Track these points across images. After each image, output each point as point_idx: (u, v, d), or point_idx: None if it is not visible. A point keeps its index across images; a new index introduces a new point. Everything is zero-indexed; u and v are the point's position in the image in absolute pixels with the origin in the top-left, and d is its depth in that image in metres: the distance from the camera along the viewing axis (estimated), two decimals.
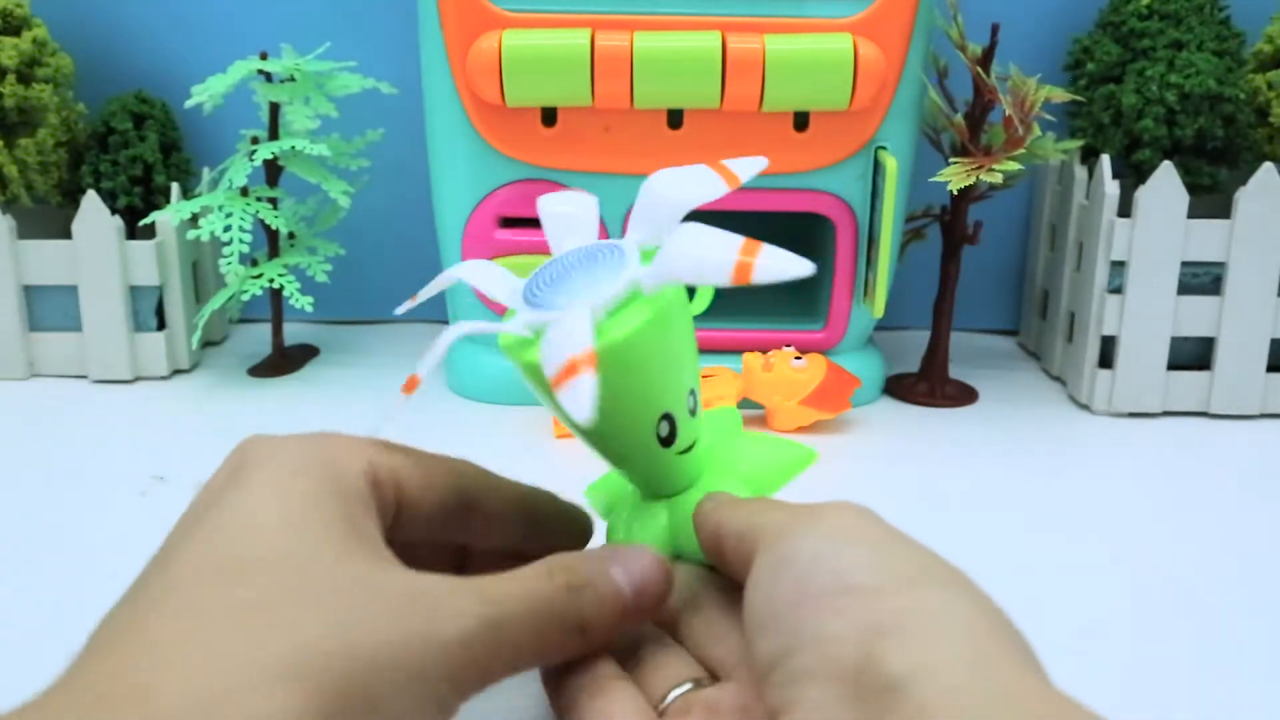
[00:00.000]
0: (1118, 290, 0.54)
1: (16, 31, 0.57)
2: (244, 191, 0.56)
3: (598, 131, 0.50)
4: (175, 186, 0.58)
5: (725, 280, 0.27)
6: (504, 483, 0.31)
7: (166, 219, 0.57)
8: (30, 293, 0.58)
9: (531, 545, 0.31)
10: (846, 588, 0.23)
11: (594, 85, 0.48)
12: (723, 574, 0.30)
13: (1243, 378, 0.54)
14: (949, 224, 0.56)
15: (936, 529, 0.42)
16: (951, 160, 0.51)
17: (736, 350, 0.53)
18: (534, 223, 0.52)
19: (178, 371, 0.60)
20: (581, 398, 0.24)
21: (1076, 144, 0.57)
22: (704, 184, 0.30)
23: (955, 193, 0.53)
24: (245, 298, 0.57)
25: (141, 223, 0.57)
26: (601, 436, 0.30)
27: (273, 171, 0.58)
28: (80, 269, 0.56)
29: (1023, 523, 0.43)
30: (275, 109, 0.57)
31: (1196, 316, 0.54)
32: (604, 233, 0.51)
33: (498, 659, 0.24)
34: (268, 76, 0.56)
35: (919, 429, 0.53)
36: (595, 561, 0.28)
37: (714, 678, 0.28)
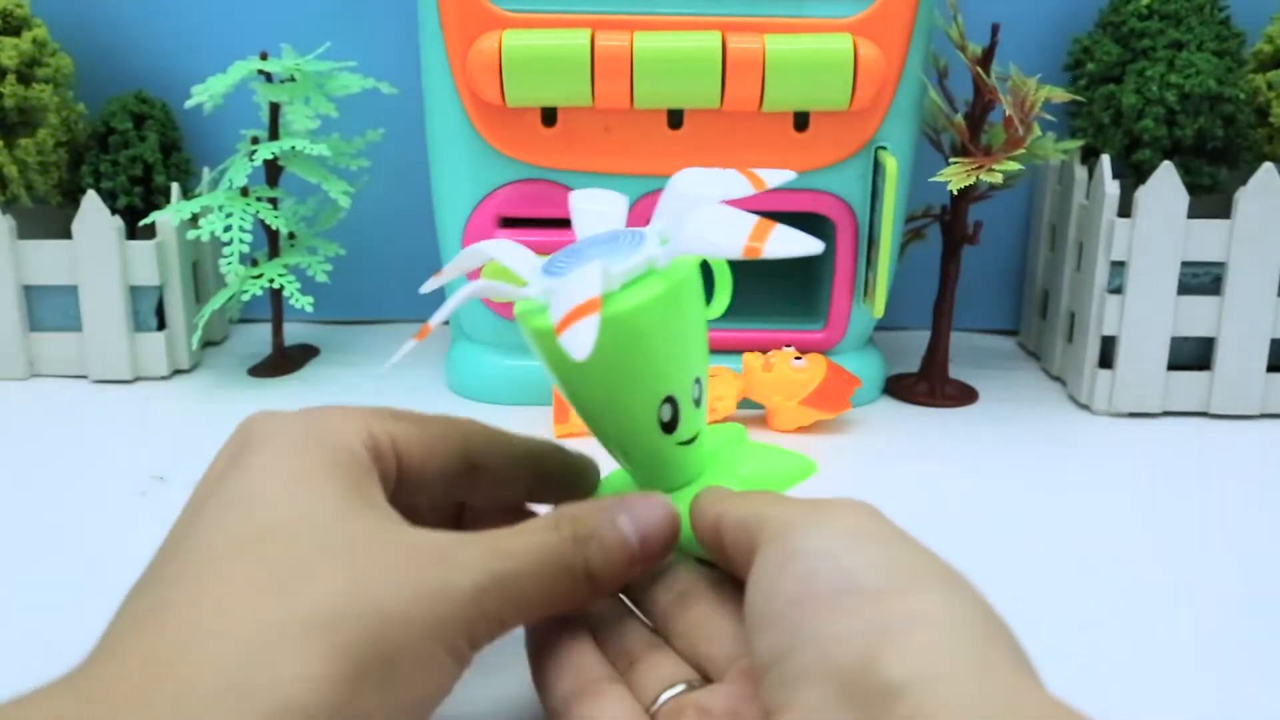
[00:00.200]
0: (1118, 290, 0.54)
1: (16, 31, 0.57)
2: (244, 191, 0.56)
3: (598, 131, 0.50)
4: (175, 186, 0.58)
5: (737, 252, 0.27)
6: (510, 439, 0.32)
7: (166, 219, 0.57)
8: (30, 293, 0.58)
9: (540, 498, 0.32)
10: (850, 588, 0.23)
11: (594, 85, 0.48)
12: (717, 568, 0.29)
13: (1243, 378, 0.54)
14: (949, 224, 0.56)
15: (936, 529, 0.42)
16: (951, 160, 0.51)
17: (736, 350, 0.53)
18: (534, 223, 0.53)
19: (178, 371, 0.60)
20: (582, 337, 0.25)
21: (1076, 144, 0.57)
22: (731, 183, 0.31)
23: (955, 193, 0.53)
24: (245, 298, 0.57)
25: (141, 223, 0.57)
26: (604, 413, 0.30)
27: (273, 171, 0.58)
28: (80, 269, 0.56)
29: (1022, 523, 0.43)
30: (275, 109, 0.57)
31: (1196, 316, 0.54)
32: None
33: (509, 610, 0.25)
34: (268, 76, 0.56)
35: (919, 429, 0.53)
36: (602, 511, 0.28)
37: (705, 678, 0.28)
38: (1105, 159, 0.54)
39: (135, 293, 0.58)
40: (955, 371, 0.59)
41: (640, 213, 0.52)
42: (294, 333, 0.65)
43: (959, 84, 0.54)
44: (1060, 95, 0.53)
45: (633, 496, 0.29)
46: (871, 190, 0.52)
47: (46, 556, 0.40)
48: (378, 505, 0.26)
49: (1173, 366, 0.54)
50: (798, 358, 0.51)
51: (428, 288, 0.34)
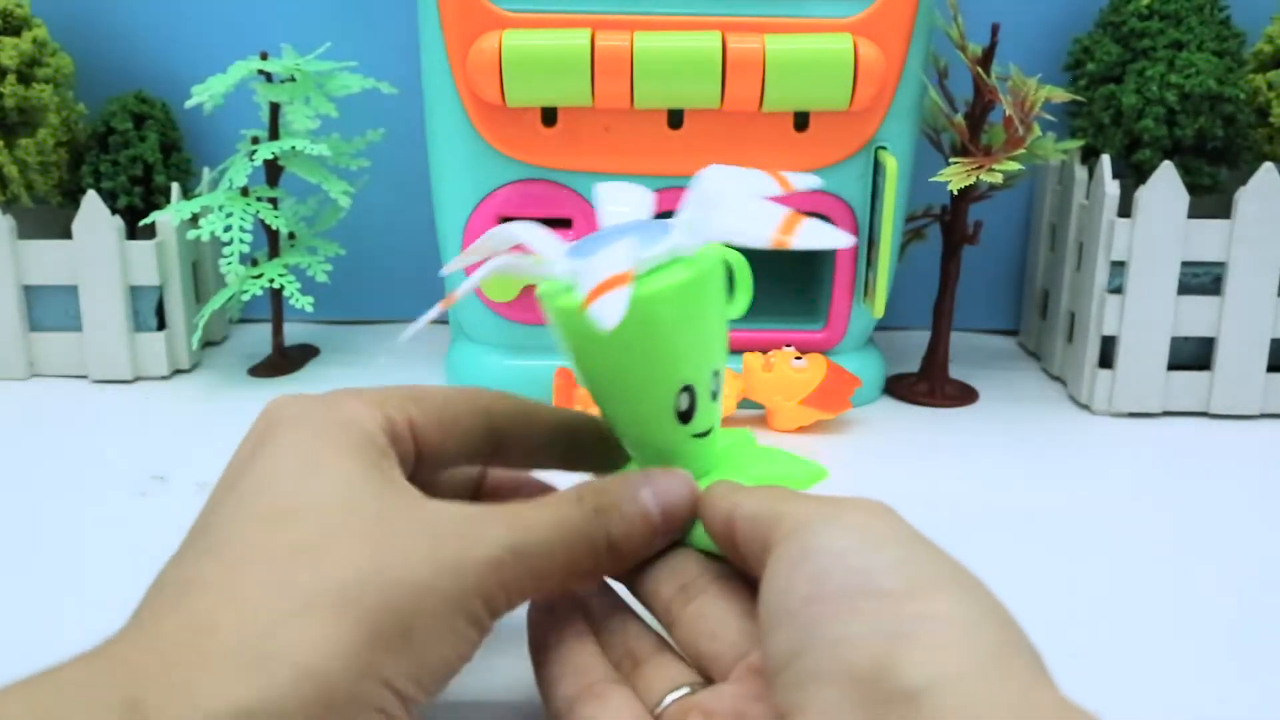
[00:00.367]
0: (1118, 290, 0.54)
1: (16, 31, 0.57)
2: (244, 191, 0.56)
3: (598, 131, 0.50)
4: (175, 186, 0.58)
5: (766, 241, 0.28)
6: (540, 410, 0.32)
7: (167, 219, 0.57)
8: (30, 293, 0.58)
9: (573, 468, 0.33)
10: (866, 589, 0.22)
11: (594, 85, 0.48)
12: (726, 562, 0.29)
13: (1243, 378, 0.54)
14: (949, 224, 0.56)
15: (936, 528, 0.42)
16: (951, 160, 0.51)
17: (736, 350, 0.53)
18: (533, 223, 0.53)
19: (178, 371, 0.60)
20: (611, 308, 0.25)
21: (1076, 144, 0.57)
22: (758, 181, 0.31)
23: (955, 193, 0.53)
24: (245, 298, 0.57)
25: (142, 223, 0.57)
26: (621, 399, 0.30)
27: (273, 171, 0.58)
28: (80, 269, 0.56)
29: (1023, 523, 0.43)
30: (275, 109, 0.57)
31: (1196, 316, 0.54)
32: None
33: (528, 580, 0.26)
34: (268, 76, 0.56)
35: (919, 429, 0.53)
36: (625, 485, 0.29)
37: (708, 676, 0.28)
38: (1105, 159, 0.54)
39: (135, 293, 0.58)
40: (955, 371, 0.59)
41: None
42: (294, 333, 0.65)
43: (959, 84, 0.54)
44: (1060, 95, 0.53)
45: (655, 471, 0.30)
46: (871, 190, 0.52)
47: (46, 556, 0.40)
48: (396, 482, 0.27)
49: (1173, 366, 0.54)
50: (798, 358, 0.51)
51: (449, 269, 0.34)
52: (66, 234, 0.56)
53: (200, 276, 0.62)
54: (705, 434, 0.31)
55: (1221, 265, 0.53)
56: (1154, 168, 0.52)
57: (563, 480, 0.33)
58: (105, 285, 0.57)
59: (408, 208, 0.65)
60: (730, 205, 0.30)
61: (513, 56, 0.47)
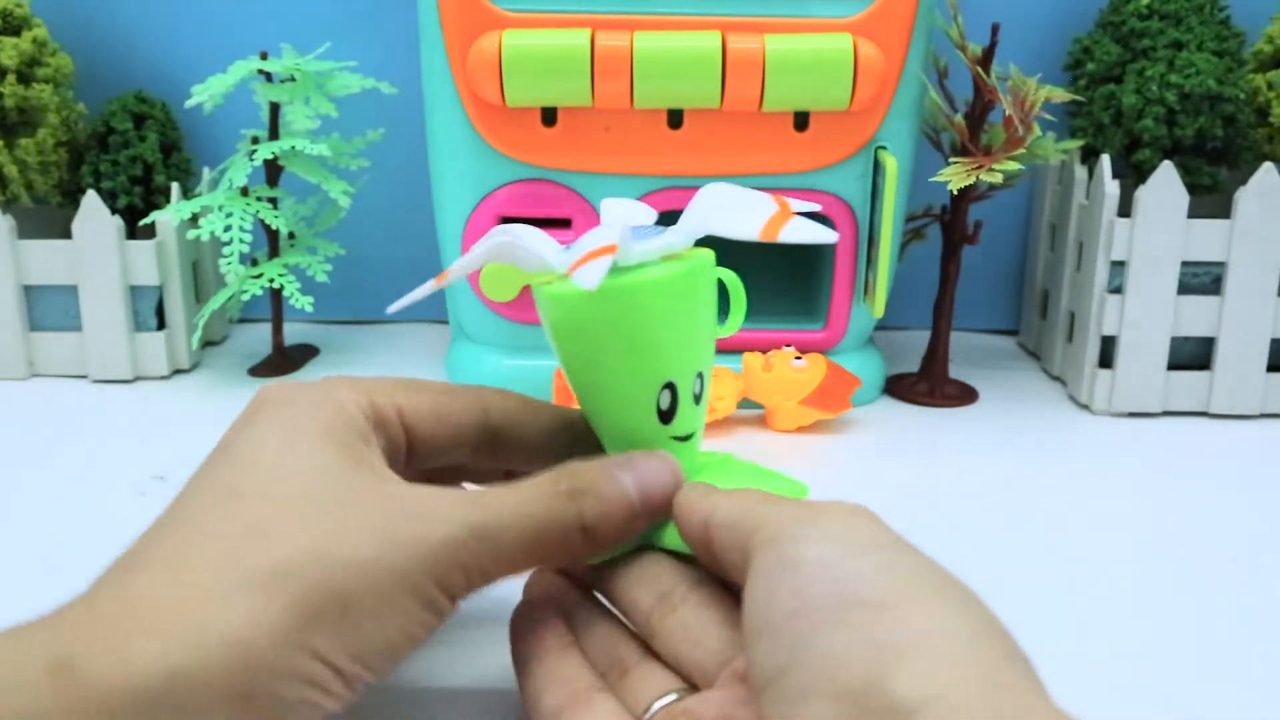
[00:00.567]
0: (1118, 290, 0.54)
1: (16, 31, 0.57)
2: (244, 191, 0.56)
3: (598, 131, 0.50)
4: (175, 186, 0.58)
5: (754, 234, 0.28)
6: (542, 409, 0.33)
7: (166, 219, 0.57)
8: (30, 293, 0.58)
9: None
10: (851, 600, 0.22)
11: (594, 85, 0.48)
12: (701, 566, 0.29)
13: (1243, 378, 0.54)
14: (949, 224, 0.56)
15: (936, 529, 0.42)
16: (951, 160, 0.51)
17: (736, 350, 0.53)
18: (534, 223, 0.52)
19: (178, 371, 0.60)
20: (593, 272, 0.26)
21: (1076, 144, 0.57)
22: (758, 199, 0.32)
23: (955, 193, 0.53)
24: (245, 298, 0.57)
25: (141, 223, 0.57)
26: (604, 393, 0.30)
27: (273, 171, 0.58)
28: (80, 269, 0.56)
29: (1022, 522, 0.43)
30: (275, 109, 0.57)
31: (1196, 316, 0.54)
32: None
33: (491, 561, 0.27)
34: (268, 76, 0.56)
35: (919, 429, 0.53)
36: (603, 467, 0.29)
37: (692, 685, 0.27)
38: (1105, 159, 0.54)
39: (135, 293, 0.58)
40: (955, 371, 0.59)
41: None
42: (294, 333, 0.65)
43: (959, 84, 0.54)
44: (1060, 95, 0.53)
45: (637, 453, 0.30)
46: (871, 190, 0.52)
47: (46, 557, 0.40)
48: (365, 464, 0.27)
49: (1173, 366, 0.54)
50: (798, 358, 0.51)
51: (451, 279, 0.34)
52: (66, 234, 0.56)
53: (200, 276, 0.62)
54: (686, 438, 0.31)
55: (1221, 265, 0.53)
56: (1154, 168, 0.52)
57: None
58: (105, 285, 0.57)
59: (408, 208, 0.65)
60: (721, 199, 0.30)
61: (513, 56, 0.47)
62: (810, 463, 0.49)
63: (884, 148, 0.51)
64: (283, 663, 0.23)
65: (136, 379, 0.58)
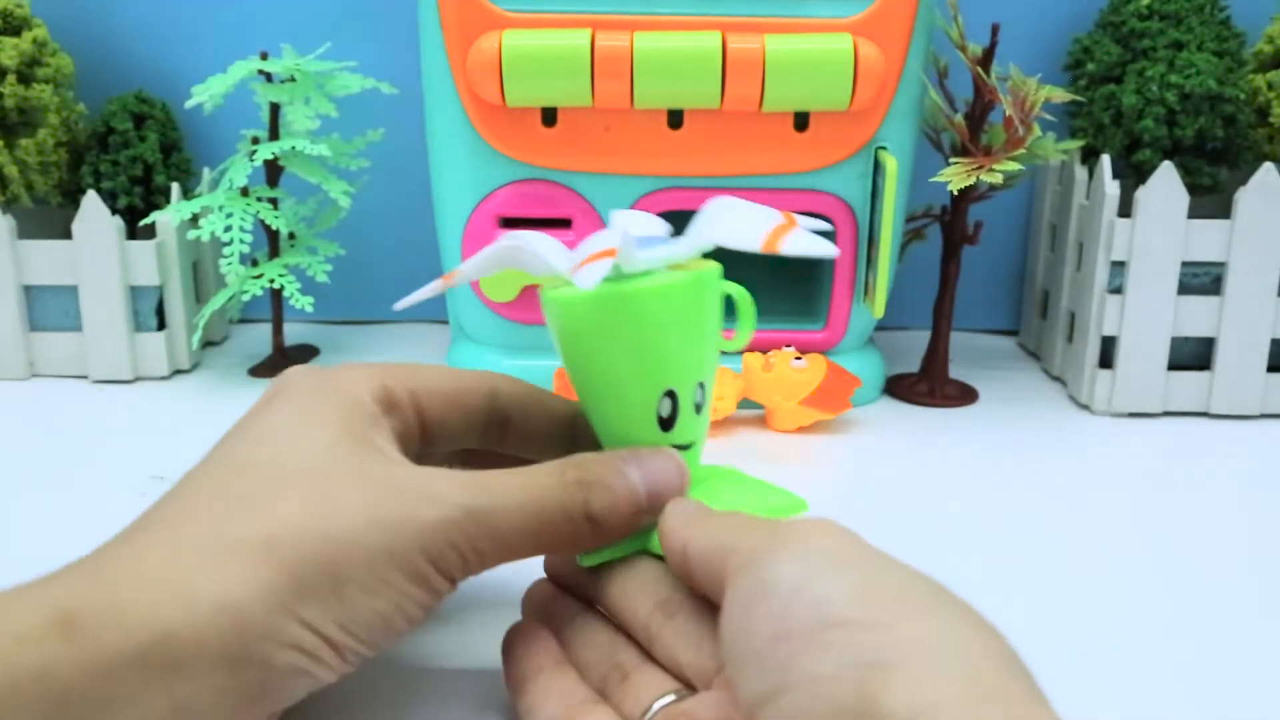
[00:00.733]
0: (1118, 290, 0.54)
1: (16, 31, 0.57)
2: (244, 191, 0.56)
3: (598, 131, 0.50)
4: (175, 186, 0.58)
5: (756, 245, 0.29)
6: (548, 400, 0.34)
7: (167, 219, 0.57)
8: (30, 293, 0.58)
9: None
10: (831, 621, 0.22)
11: (594, 85, 0.48)
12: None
13: (1243, 378, 0.54)
14: (949, 224, 0.56)
15: (936, 529, 0.43)
16: (951, 160, 0.51)
17: (737, 352, 0.53)
18: (534, 223, 0.53)
19: (178, 371, 0.60)
20: (591, 273, 0.27)
21: (1076, 144, 0.57)
22: (764, 212, 0.32)
23: (955, 193, 0.53)
24: (245, 298, 0.57)
25: (142, 223, 0.57)
26: (606, 397, 0.31)
27: (273, 171, 0.58)
28: (80, 269, 0.56)
29: (1022, 523, 0.43)
30: (275, 109, 0.57)
31: (1196, 316, 0.54)
32: None
33: (488, 543, 0.27)
34: (268, 76, 0.56)
35: (919, 429, 0.53)
36: (611, 461, 0.30)
37: (691, 688, 0.27)
38: (1105, 159, 0.54)
39: (135, 293, 0.58)
40: (955, 371, 0.59)
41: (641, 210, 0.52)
42: (294, 333, 0.65)
43: (959, 84, 0.54)
44: (1060, 95, 0.53)
45: (643, 449, 0.30)
46: (871, 190, 0.52)
47: (46, 557, 0.40)
48: (371, 445, 0.28)
49: (1173, 366, 0.54)
50: (798, 358, 0.51)
51: (458, 280, 0.34)
52: (66, 234, 0.56)
53: (200, 276, 0.62)
54: (686, 448, 0.31)
55: (1221, 265, 0.53)
56: (1154, 168, 0.52)
57: None
58: (105, 285, 0.57)
59: (408, 208, 0.65)
60: (725, 209, 0.31)
61: (513, 56, 0.47)
62: (810, 463, 0.49)
63: (884, 148, 0.51)
64: (273, 628, 0.24)
65: (136, 379, 0.58)
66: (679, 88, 0.48)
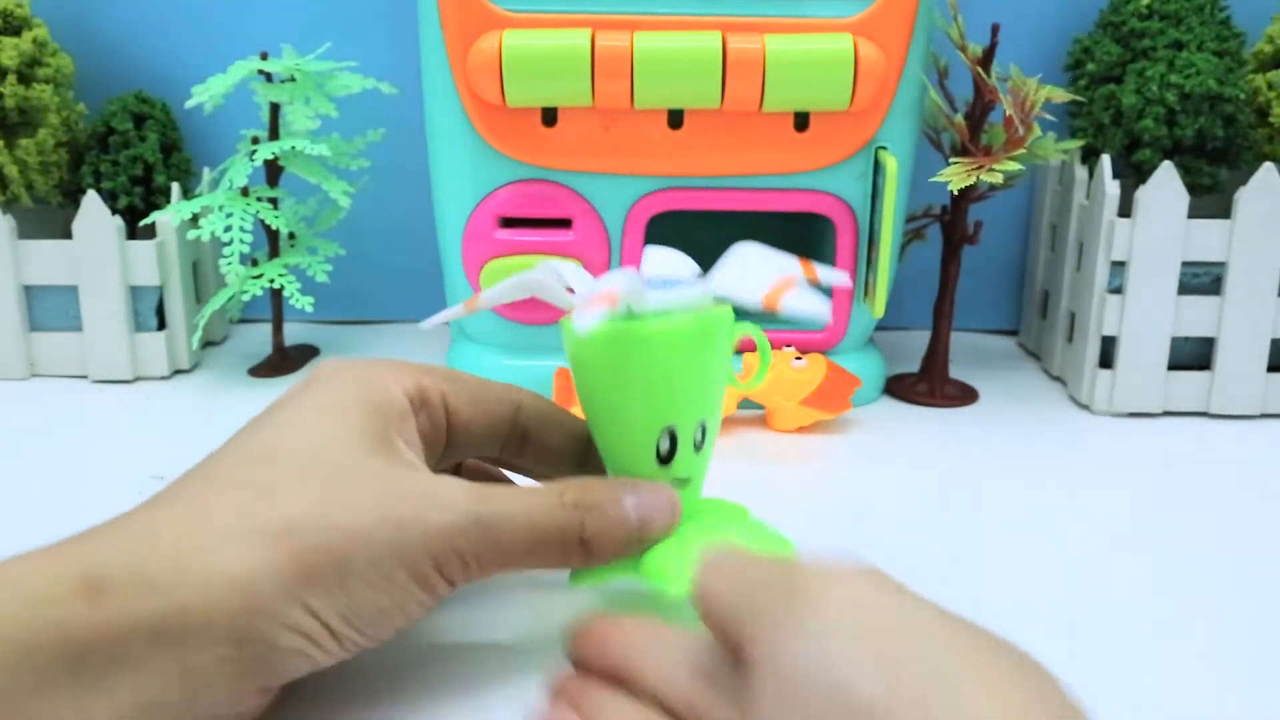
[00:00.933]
0: (1118, 290, 0.54)
1: (16, 31, 0.57)
2: (244, 191, 0.56)
3: (598, 131, 0.50)
4: (175, 186, 0.58)
5: (756, 302, 0.30)
6: (567, 419, 0.35)
7: (167, 219, 0.57)
8: (30, 293, 0.58)
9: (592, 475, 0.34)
10: (854, 708, 0.20)
11: (594, 85, 0.48)
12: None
13: (1243, 378, 0.54)
14: (949, 224, 0.56)
15: (936, 529, 0.43)
16: (951, 160, 0.51)
17: (738, 351, 0.53)
18: (534, 223, 0.53)
19: (178, 371, 0.60)
20: (587, 318, 0.28)
21: (1076, 144, 0.57)
22: (777, 264, 0.33)
23: (955, 193, 0.53)
24: (245, 298, 0.57)
25: (142, 223, 0.57)
26: (610, 427, 0.32)
27: (273, 171, 0.58)
28: (80, 269, 0.56)
29: (1023, 523, 0.43)
30: (275, 109, 0.57)
31: (1196, 316, 0.54)
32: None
33: (488, 552, 0.28)
34: (268, 76, 0.56)
35: (919, 429, 0.53)
36: (610, 488, 0.31)
37: None
38: (1105, 159, 0.54)
39: (135, 293, 0.58)
40: (955, 371, 0.59)
41: (640, 211, 0.52)
42: (294, 333, 0.65)
43: (959, 84, 0.54)
44: (1060, 95, 0.53)
45: (641, 481, 0.31)
46: (871, 190, 0.52)
47: None
48: (391, 445, 0.29)
49: (1173, 366, 0.54)
50: (798, 358, 0.51)
51: (481, 305, 0.35)
52: (66, 234, 0.56)
53: (200, 276, 0.62)
54: (684, 482, 0.33)
55: (1221, 265, 0.53)
56: (1154, 168, 0.52)
57: None
58: (105, 285, 0.57)
59: (408, 208, 0.65)
60: (735, 263, 0.32)
61: (513, 56, 0.47)
62: (810, 463, 0.49)
63: (884, 148, 0.51)
64: (280, 611, 0.25)
65: (136, 379, 0.58)
66: (679, 88, 0.48)
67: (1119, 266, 0.54)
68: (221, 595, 0.25)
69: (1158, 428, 0.54)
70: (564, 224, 0.52)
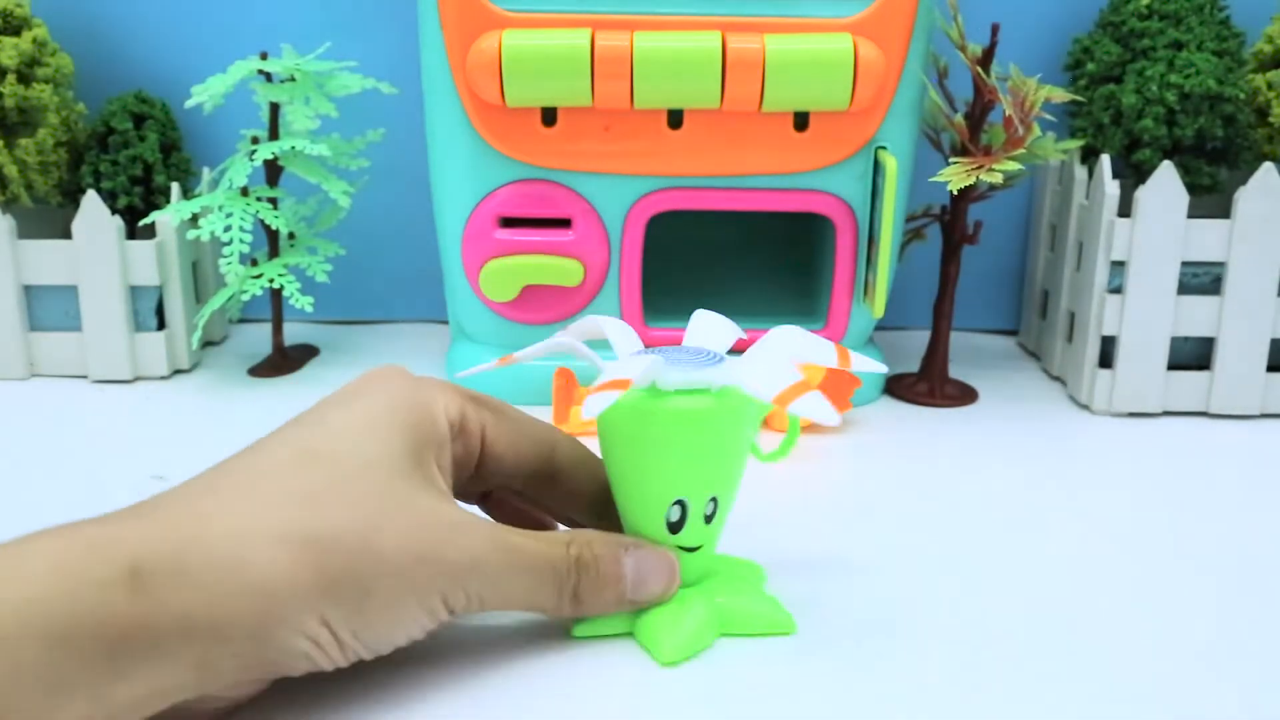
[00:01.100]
0: (1118, 290, 0.54)
1: (16, 31, 0.57)
2: (244, 191, 0.56)
3: (598, 131, 0.50)
4: (175, 186, 0.58)
5: (767, 399, 0.31)
6: (598, 468, 0.35)
7: (166, 219, 0.57)
8: (30, 293, 0.58)
9: (609, 526, 0.35)
10: None
11: (594, 85, 0.48)
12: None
13: (1243, 378, 0.54)
14: (949, 224, 0.56)
15: (936, 529, 0.43)
16: (951, 160, 0.51)
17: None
18: (534, 223, 0.53)
19: (178, 371, 0.60)
20: (596, 403, 0.29)
21: (1076, 144, 0.57)
22: (818, 346, 0.35)
23: (955, 193, 0.53)
24: (245, 298, 0.57)
25: (141, 223, 0.57)
26: (626, 490, 0.34)
27: (273, 171, 0.58)
28: (80, 269, 0.56)
29: (1022, 523, 0.43)
30: (275, 109, 0.57)
31: (1196, 316, 0.54)
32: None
33: (490, 594, 0.30)
34: (268, 76, 0.56)
35: (919, 429, 0.53)
36: (612, 545, 0.32)
37: None
38: (1105, 159, 0.54)
39: (135, 293, 0.58)
40: (955, 371, 0.59)
41: (640, 211, 0.52)
42: (294, 333, 0.65)
43: (959, 84, 0.54)
44: (1060, 95, 0.53)
45: (645, 542, 0.33)
46: (871, 190, 0.52)
47: None
48: (425, 470, 0.30)
49: (1173, 366, 0.54)
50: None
51: (534, 354, 0.36)
52: (66, 234, 0.56)
53: (200, 276, 0.62)
54: (693, 550, 0.34)
55: (1221, 265, 0.53)
56: (1154, 168, 0.52)
57: None
58: (105, 285, 0.57)
59: (408, 208, 0.65)
60: (758, 358, 0.33)
61: (513, 56, 0.47)
62: (810, 463, 0.49)
63: (884, 148, 0.51)
64: (297, 619, 0.27)
65: (136, 379, 0.58)
66: (679, 88, 0.48)
67: (1119, 266, 0.54)
68: (249, 599, 0.26)
69: (1157, 428, 0.54)
70: (564, 224, 0.52)
